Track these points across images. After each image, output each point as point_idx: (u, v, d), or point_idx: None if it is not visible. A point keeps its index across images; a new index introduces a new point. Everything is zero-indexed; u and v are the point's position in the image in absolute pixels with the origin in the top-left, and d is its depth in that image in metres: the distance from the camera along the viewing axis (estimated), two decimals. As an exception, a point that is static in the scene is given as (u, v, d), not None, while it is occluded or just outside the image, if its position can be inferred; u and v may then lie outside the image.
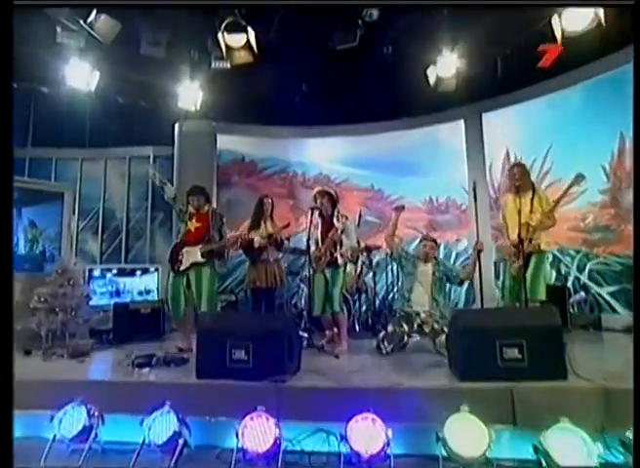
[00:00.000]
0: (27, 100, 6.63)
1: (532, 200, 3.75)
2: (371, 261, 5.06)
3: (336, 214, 3.97)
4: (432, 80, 5.10)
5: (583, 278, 4.69)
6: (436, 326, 3.62)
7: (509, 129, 5.35)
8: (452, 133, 5.87)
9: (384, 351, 3.56)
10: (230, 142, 6.39)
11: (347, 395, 2.64)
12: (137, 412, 2.58)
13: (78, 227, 6.86)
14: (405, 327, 3.68)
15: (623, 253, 4.40)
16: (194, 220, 3.83)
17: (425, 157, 6.05)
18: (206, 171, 6.19)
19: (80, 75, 4.97)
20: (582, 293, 4.52)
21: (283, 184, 6.41)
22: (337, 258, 3.83)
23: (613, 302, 4.45)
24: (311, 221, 3.92)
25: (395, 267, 5.03)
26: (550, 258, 4.34)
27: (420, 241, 4.06)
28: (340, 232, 3.81)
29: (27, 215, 5.54)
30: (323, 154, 6.48)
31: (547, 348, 2.55)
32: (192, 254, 3.73)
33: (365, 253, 5.03)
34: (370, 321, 4.92)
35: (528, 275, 3.60)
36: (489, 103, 5.56)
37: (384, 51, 5.62)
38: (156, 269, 5.81)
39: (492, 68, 5.45)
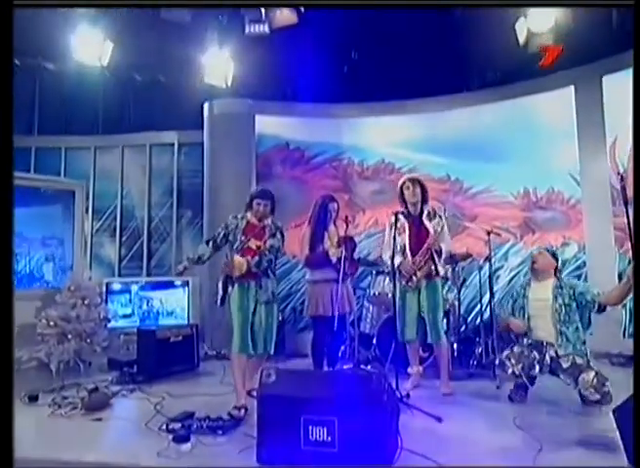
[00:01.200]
0: (30, 79, 6.09)
1: None
2: (460, 277, 4.27)
3: (426, 211, 3.41)
4: (522, 37, 4.41)
5: None
6: (579, 360, 2.90)
7: (642, 95, 4.39)
8: (556, 104, 4.92)
9: (511, 369, 3.00)
10: (271, 125, 5.65)
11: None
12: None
13: (92, 229, 6.34)
14: (535, 354, 3.01)
15: None
16: (253, 239, 3.14)
17: (519, 137, 5.13)
18: (243, 160, 5.48)
19: (91, 47, 4.54)
20: None
21: (336, 175, 5.64)
22: (436, 271, 3.33)
23: None
24: (396, 227, 3.31)
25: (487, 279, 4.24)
26: None
27: (530, 255, 3.31)
28: (437, 236, 3.27)
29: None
30: (384, 137, 5.66)
31: None
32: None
33: (451, 264, 4.22)
34: (456, 352, 4.14)
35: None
36: (611, 63, 4.58)
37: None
38: (185, 283, 5.20)
39: (607, 17, 4.58)
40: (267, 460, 2.16)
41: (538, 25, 4.31)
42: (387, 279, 4.27)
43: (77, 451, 2.39)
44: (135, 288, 5.11)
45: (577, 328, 3.06)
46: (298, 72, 5.43)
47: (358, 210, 5.57)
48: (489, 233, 4.00)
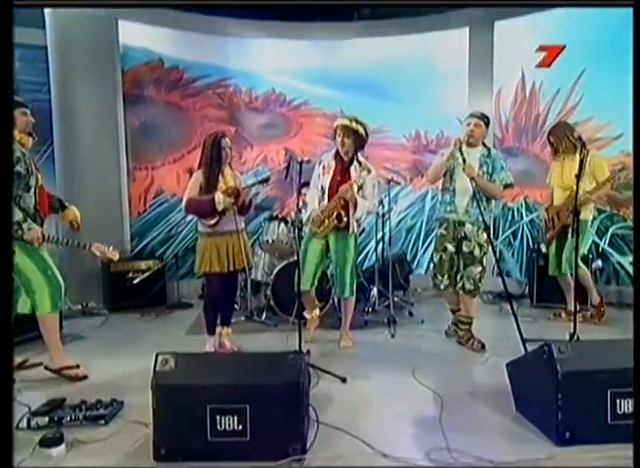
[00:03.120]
0: None
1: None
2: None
3: (356, 162, 3.20)
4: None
5: (603, 244, 4.36)
6: (477, 251, 3.21)
7: (529, 44, 4.51)
8: (451, 44, 4.88)
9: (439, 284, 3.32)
10: (140, 36, 4.68)
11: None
12: None
13: None
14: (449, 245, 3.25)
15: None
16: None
17: (414, 76, 5.03)
18: (103, 77, 4.50)
19: None
20: (599, 262, 4.21)
21: (220, 104, 5.00)
22: (348, 225, 3.17)
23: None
24: (324, 168, 3.25)
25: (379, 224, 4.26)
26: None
27: (467, 118, 3.26)
28: (356, 189, 3.10)
29: None
30: (276, 63, 5.11)
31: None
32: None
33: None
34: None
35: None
36: (506, 8, 4.59)
37: None
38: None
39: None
40: (168, 456, 1.89)
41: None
42: (282, 225, 4.03)
43: None
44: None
45: (487, 198, 3.22)
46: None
47: (246, 145, 5.09)
48: (389, 182, 3.94)
